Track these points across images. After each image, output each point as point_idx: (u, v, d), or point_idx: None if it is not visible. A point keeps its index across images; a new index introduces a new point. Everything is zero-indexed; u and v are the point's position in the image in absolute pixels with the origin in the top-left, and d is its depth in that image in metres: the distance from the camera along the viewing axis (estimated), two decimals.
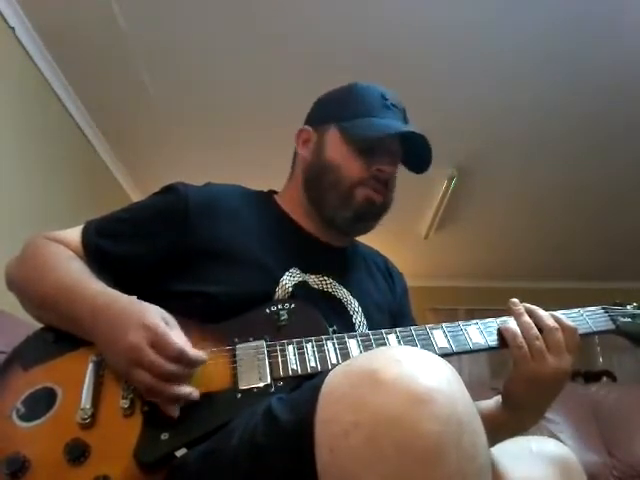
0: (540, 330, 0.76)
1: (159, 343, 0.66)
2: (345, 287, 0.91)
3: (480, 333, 0.79)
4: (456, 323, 0.80)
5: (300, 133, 1.00)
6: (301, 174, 0.98)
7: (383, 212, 0.96)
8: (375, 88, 0.96)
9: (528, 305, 0.80)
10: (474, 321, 0.80)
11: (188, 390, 0.67)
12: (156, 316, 0.70)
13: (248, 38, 2.40)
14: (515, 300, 0.80)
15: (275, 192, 1.03)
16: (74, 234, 0.88)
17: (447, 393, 0.49)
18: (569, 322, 0.77)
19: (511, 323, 0.78)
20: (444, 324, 0.79)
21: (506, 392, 0.79)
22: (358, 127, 0.91)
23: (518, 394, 0.76)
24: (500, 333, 0.78)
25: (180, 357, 0.67)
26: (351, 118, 0.92)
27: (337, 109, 0.96)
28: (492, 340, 0.78)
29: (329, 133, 0.94)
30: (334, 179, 0.91)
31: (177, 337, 0.68)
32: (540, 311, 0.78)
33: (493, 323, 0.80)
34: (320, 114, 1.00)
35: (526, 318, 0.77)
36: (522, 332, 0.76)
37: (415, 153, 0.95)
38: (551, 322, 0.76)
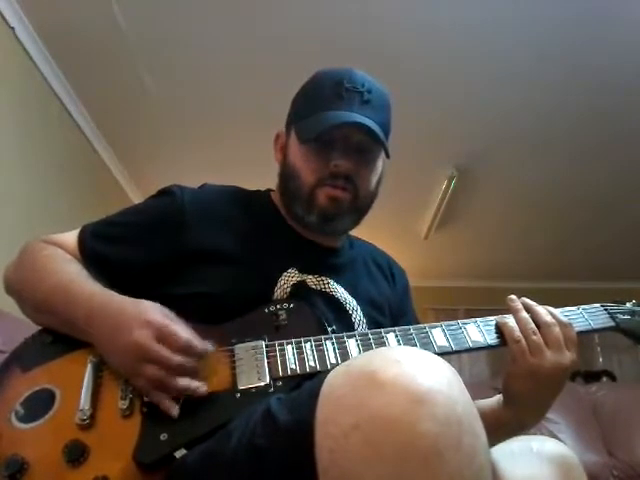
0: (538, 326, 0.76)
1: (165, 337, 0.67)
2: (343, 287, 0.91)
3: (479, 331, 0.79)
4: (455, 322, 0.80)
5: (276, 138, 0.99)
6: (278, 180, 0.97)
7: (359, 206, 0.91)
8: (332, 74, 0.90)
9: (526, 300, 0.80)
10: (473, 319, 0.80)
11: (196, 384, 0.68)
12: (157, 312, 0.70)
13: (248, 38, 2.39)
14: (513, 296, 0.81)
15: (273, 190, 1.02)
16: (71, 238, 0.87)
17: (447, 393, 0.49)
18: (563, 318, 0.77)
19: (509, 319, 0.78)
20: (443, 323, 0.79)
21: (505, 388, 0.79)
22: (306, 126, 0.88)
23: (517, 390, 0.76)
24: (498, 329, 0.78)
25: (187, 348, 0.67)
26: (305, 117, 0.89)
27: (296, 108, 0.95)
28: (491, 338, 0.78)
29: (291, 136, 0.93)
30: (296, 186, 0.89)
31: (182, 330, 0.69)
32: (538, 307, 0.79)
33: (492, 321, 0.80)
34: (288, 116, 0.98)
35: (524, 314, 0.78)
36: (519, 327, 0.76)
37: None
38: (549, 318, 0.77)
